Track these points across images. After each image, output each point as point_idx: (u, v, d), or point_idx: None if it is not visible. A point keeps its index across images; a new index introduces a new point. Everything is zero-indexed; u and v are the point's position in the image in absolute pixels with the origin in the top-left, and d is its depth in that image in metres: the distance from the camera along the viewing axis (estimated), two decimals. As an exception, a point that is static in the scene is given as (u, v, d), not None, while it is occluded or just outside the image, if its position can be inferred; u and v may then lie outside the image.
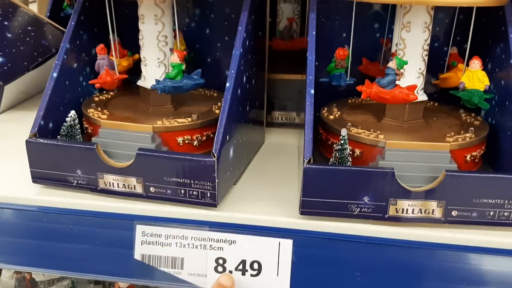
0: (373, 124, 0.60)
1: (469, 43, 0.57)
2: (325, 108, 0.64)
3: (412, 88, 0.53)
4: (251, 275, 0.54)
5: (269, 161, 0.69)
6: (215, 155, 0.52)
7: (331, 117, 0.61)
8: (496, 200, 0.50)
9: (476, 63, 0.54)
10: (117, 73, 0.62)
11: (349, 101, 0.68)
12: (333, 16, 0.68)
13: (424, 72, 0.58)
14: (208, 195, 0.54)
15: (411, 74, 0.57)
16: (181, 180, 0.54)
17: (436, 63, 0.67)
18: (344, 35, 0.69)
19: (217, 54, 0.74)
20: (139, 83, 0.64)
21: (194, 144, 0.59)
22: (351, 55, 0.63)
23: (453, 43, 0.65)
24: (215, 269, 0.54)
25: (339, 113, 0.63)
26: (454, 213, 0.51)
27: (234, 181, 0.61)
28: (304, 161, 0.51)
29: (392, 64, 0.52)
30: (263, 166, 0.67)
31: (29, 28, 0.92)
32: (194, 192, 0.54)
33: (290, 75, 0.79)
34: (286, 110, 0.81)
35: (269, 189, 0.60)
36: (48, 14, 1.05)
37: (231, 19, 0.71)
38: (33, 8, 1.27)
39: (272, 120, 0.82)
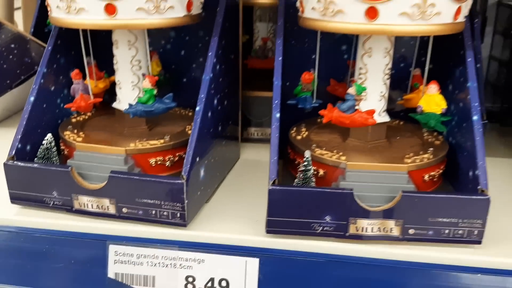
0: (338, 144, 0.62)
1: (426, 68, 0.60)
2: (294, 128, 0.67)
3: (370, 112, 0.55)
4: (220, 292, 0.56)
5: (243, 177, 0.71)
6: (184, 177, 0.55)
7: (299, 137, 0.64)
8: (450, 219, 0.53)
9: (433, 88, 0.56)
10: (91, 97, 0.64)
11: (318, 120, 0.70)
12: (302, 39, 0.71)
13: (386, 95, 0.61)
14: (178, 215, 0.56)
15: (373, 97, 0.60)
16: (152, 201, 0.56)
17: (403, 83, 0.70)
18: (313, 57, 0.71)
19: (193, 74, 0.76)
20: (115, 105, 0.66)
21: (167, 164, 0.62)
22: (320, 76, 0.65)
23: (418, 64, 0.68)
24: (185, 286, 0.57)
25: (307, 133, 0.65)
26: (411, 231, 0.54)
27: (206, 199, 0.63)
28: (269, 182, 0.54)
29: (351, 90, 0.55)
30: (237, 183, 0.70)
31: (12, 45, 0.93)
32: (165, 213, 0.56)
33: (265, 92, 0.81)
34: (262, 126, 0.84)
35: (240, 207, 0.62)
36: (32, 30, 1.08)
37: (205, 41, 0.74)
38: (18, 16, 1.28)
39: (248, 136, 0.84)
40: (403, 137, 0.65)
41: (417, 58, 0.68)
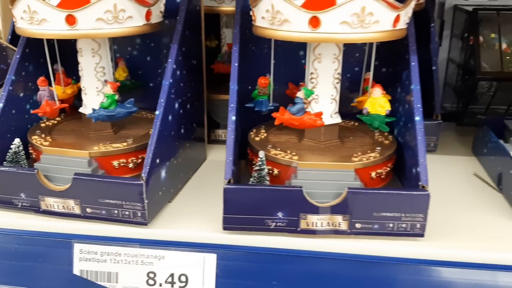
0: (294, 145, 0.65)
1: (371, 71, 0.63)
2: (254, 130, 0.70)
3: (319, 114, 0.59)
4: (180, 287, 0.59)
5: (208, 178, 0.74)
6: (143, 178, 0.58)
7: (257, 138, 0.67)
8: (394, 214, 0.56)
9: (377, 91, 0.60)
10: (57, 103, 0.67)
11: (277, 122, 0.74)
12: (262, 44, 0.74)
13: (337, 98, 0.64)
14: (139, 214, 0.59)
15: (325, 100, 0.63)
16: (114, 202, 0.59)
17: (358, 86, 0.73)
18: (274, 62, 0.75)
19: (158, 79, 0.79)
20: (81, 110, 0.69)
21: (130, 166, 0.65)
22: (279, 80, 0.69)
23: (368, 68, 0.72)
24: (147, 282, 0.60)
25: (265, 134, 0.69)
26: (358, 225, 0.57)
27: (169, 199, 0.67)
28: (224, 182, 0.57)
29: (300, 94, 0.58)
30: (201, 183, 0.73)
31: (-12, 53, 0.96)
32: (126, 212, 0.59)
33: (231, 96, 0.84)
34: (228, 129, 0.87)
35: (201, 206, 0.65)
36: (9, 37, 1.10)
37: (169, 47, 0.76)
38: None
39: (216, 138, 0.87)
40: (355, 137, 0.68)
41: (369, 62, 0.72)
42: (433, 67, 0.84)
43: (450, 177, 0.75)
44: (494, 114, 0.86)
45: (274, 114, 0.61)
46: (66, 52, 0.73)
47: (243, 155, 0.70)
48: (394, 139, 0.67)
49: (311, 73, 0.63)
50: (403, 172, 0.64)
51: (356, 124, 0.73)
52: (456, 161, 0.81)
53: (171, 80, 0.63)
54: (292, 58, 0.74)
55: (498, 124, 0.80)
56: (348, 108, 0.71)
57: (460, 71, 0.91)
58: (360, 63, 0.74)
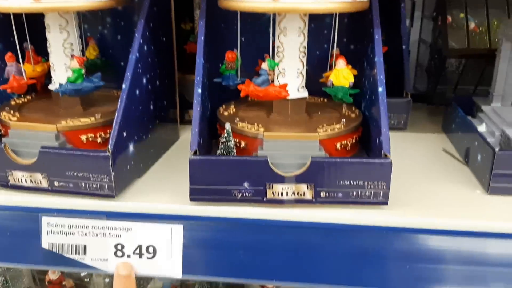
0: (262, 119, 0.66)
1: (334, 44, 0.64)
2: (224, 106, 0.71)
3: (283, 86, 0.59)
4: (147, 258, 0.60)
5: (180, 156, 0.75)
6: (109, 150, 0.58)
7: (226, 113, 0.68)
8: (357, 182, 0.57)
9: (341, 62, 0.61)
10: (25, 78, 0.67)
11: (249, 99, 0.74)
12: (231, 21, 0.74)
13: (303, 72, 0.65)
14: (106, 187, 0.59)
15: (291, 74, 0.64)
16: (81, 174, 0.59)
17: (326, 63, 0.74)
18: (243, 39, 0.75)
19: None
20: (50, 87, 0.69)
21: (98, 141, 0.65)
22: (248, 57, 0.69)
23: (339, 44, 0.72)
24: (115, 254, 0.60)
25: (234, 110, 0.69)
26: (322, 194, 0.58)
27: (139, 175, 0.67)
28: (190, 152, 0.57)
29: (264, 65, 0.59)
30: (172, 161, 0.73)
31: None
32: (93, 185, 0.60)
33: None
34: (202, 109, 0.87)
35: (171, 181, 0.66)
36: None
37: (140, 26, 0.77)
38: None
39: (189, 119, 0.88)
40: (323, 112, 0.69)
41: (338, 38, 0.72)
42: (403, 46, 0.85)
43: (419, 153, 0.77)
44: (463, 93, 0.87)
45: (239, 86, 0.61)
46: (36, 31, 0.73)
47: (216, 136, 0.70)
48: (361, 113, 0.68)
49: (277, 47, 0.63)
50: (369, 144, 0.65)
51: (325, 100, 0.74)
52: (426, 138, 0.82)
53: (137, 55, 0.63)
54: (261, 36, 0.75)
55: (467, 102, 0.81)
56: (318, 85, 0.72)
57: (430, 51, 0.93)
58: (329, 41, 0.75)
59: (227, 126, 0.59)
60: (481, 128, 0.73)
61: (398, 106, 0.83)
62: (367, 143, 0.67)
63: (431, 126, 0.87)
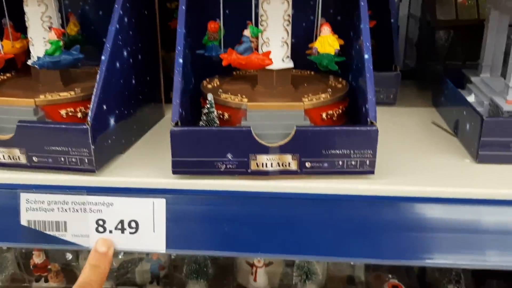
0: (246, 91, 0.64)
1: (319, 13, 0.63)
2: (207, 79, 0.69)
3: (266, 54, 0.58)
4: (130, 233, 0.58)
5: (164, 134, 0.72)
6: (89, 123, 0.56)
7: (209, 86, 0.66)
8: (342, 151, 0.56)
9: (325, 29, 0.59)
10: (1, 52, 0.65)
11: (234, 73, 0.73)
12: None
13: (288, 41, 0.63)
14: (86, 161, 0.58)
15: (275, 43, 0.62)
16: (60, 148, 0.58)
17: (313, 35, 0.72)
18: (227, 12, 0.73)
19: (111, 34, 0.78)
20: (29, 62, 0.67)
21: (78, 116, 0.63)
22: (233, 28, 0.68)
23: (325, 15, 0.71)
24: (96, 229, 0.58)
25: (218, 83, 0.68)
26: (308, 164, 0.57)
27: (121, 151, 0.65)
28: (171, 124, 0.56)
29: (246, 32, 0.57)
30: (156, 138, 0.72)
31: None
32: (73, 159, 0.58)
33: (190, 54, 0.83)
34: (188, 88, 0.85)
35: (154, 157, 0.64)
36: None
37: (121, 0, 0.75)
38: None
39: (175, 98, 0.86)
40: (310, 84, 0.68)
41: (325, 10, 0.71)
42: (392, 20, 0.84)
43: (407, 126, 0.75)
44: (453, 67, 0.86)
45: (221, 55, 0.60)
46: (15, 6, 0.71)
47: (200, 113, 0.68)
48: (348, 84, 0.66)
49: (261, 16, 0.62)
50: (355, 115, 0.64)
51: (312, 73, 0.73)
52: (415, 112, 0.81)
53: (117, 26, 0.62)
54: (244, 8, 0.73)
55: (457, 75, 0.80)
56: (304, 58, 0.70)
57: (419, 26, 0.91)
58: (315, 12, 0.73)
59: (209, 96, 0.58)
60: (470, 99, 0.72)
61: (387, 80, 0.81)
62: (354, 115, 0.65)
63: (420, 101, 0.86)
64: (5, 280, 0.85)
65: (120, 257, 0.85)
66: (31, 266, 0.83)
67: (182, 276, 0.85)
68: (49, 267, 0.82)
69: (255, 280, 0.82)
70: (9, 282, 0.85)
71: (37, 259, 0.81)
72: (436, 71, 0.85)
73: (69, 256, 0.86)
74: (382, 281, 0.82)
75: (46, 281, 0.87)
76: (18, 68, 0.74)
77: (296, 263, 0.82)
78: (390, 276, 0.82)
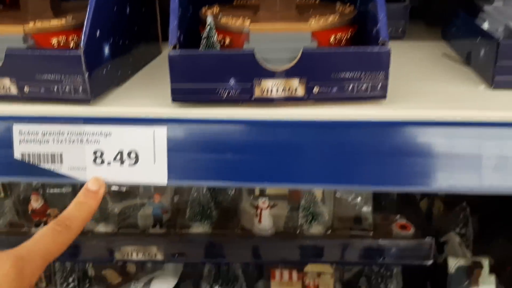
0: (248, 16, 0.61)
1: None
2: (206, 6, 0.65)
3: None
4: (129, 165, 0.56)
5: (162, 68, 0.69)
6: (81, 48, 0.53)
7: (209, 13, 0.62)
8: (353, 74, 0.53)
9: None
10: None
11: (234, 3, 0.69)
12: None
13: (291, -39, 0.59)
14: (80, 90, 0.55)
15: (278, -37, 0.58)
16: (52, 77, 0.54)
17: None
18: None
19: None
20: (16, -9, 0.64)
21: (71, 45, 0.60)
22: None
23: None
24: (94, 161, 0.56)
25: (218, 10, 0.64)
26: (315, 89, 0.53)
27: (117, 83, 0.62)
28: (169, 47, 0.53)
29: None
30: (153, 72, 0.69)
31: None
32: (67, 88, 0.55)
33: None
34: (186, 25, 0.81)
35: (151, 88, 0.61)
36: None
37: None
38: None
39: (173, 36, 0.82)
40: (316, 10, 0.64)
41: None
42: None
43: (417, 59, 0.72)
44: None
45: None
46: None
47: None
48: (356, 9, 0.63)
49: None
50: (365, 41, 0.60)
51: (317, 1, 0.69)
52: (425, 45, 0.77)
53: None
54: None
55: (469, 6, 0.76)
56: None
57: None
58: None
59: (209, 19, 0.54)
60: (484, 26, 0.68)
61: (395, 12, 0.77)
62: (363, 41, 0.62)
63: (430, 36, 0.82)
64: (3, 226, 0.83)
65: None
66: (29, 212, 0.81)
67: (185, 219, 0.83)
68: (48, 211, 0.80)
69: (259, 221, 0.80)
70: (7, 228, 0.83)
71: (35, 203, 0.79)
72: (446, 3, 0.81)
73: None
74: (390, 221, 0.80)
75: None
76: (6, 3, 0.70)
77: (301, 204, 0.79)
78: (398, 216, 0.80)
